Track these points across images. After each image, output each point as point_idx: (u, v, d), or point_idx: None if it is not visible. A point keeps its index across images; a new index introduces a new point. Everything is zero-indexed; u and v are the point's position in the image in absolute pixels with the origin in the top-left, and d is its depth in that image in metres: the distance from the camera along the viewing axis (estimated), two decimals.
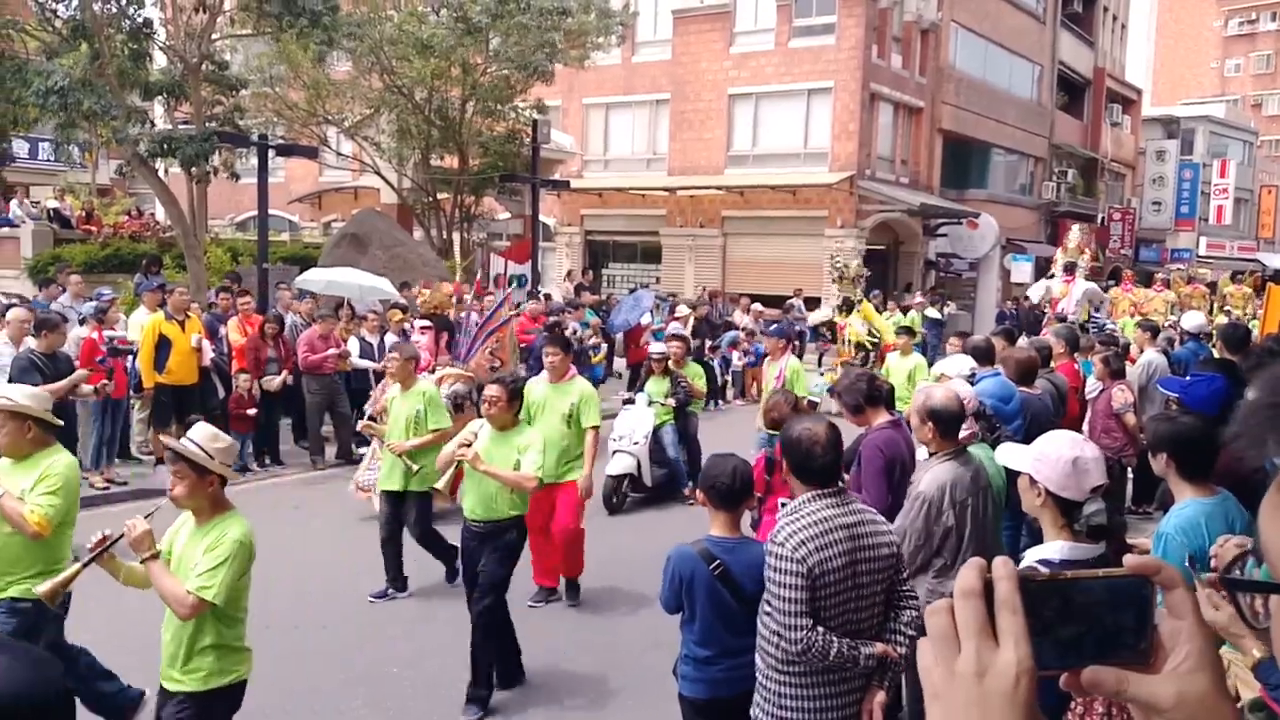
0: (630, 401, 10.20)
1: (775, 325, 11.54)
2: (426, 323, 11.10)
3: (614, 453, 9.42)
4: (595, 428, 6.76)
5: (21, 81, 13.00)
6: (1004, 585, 0.78)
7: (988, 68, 30.09)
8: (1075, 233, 18.30)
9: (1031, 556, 3.06)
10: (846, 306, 15.92)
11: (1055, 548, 3.01)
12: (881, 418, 5.14)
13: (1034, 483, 3.05)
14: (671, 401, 9.90)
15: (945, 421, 4.36)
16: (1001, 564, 0.79)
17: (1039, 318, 17.68)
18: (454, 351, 10.37)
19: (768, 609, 3.24)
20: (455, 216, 21.03)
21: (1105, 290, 19.09)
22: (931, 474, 4.28)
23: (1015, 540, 6.04)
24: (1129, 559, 0.86)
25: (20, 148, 18.92)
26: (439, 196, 21.03)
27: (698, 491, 3.85)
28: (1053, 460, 3.02)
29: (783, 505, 5.14)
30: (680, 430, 10.07)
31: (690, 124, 26.87)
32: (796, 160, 25.67)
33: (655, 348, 10.42)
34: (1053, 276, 18.10)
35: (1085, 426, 8.64)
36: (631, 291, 19.04)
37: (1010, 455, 3.26)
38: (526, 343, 12.45)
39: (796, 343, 15.95)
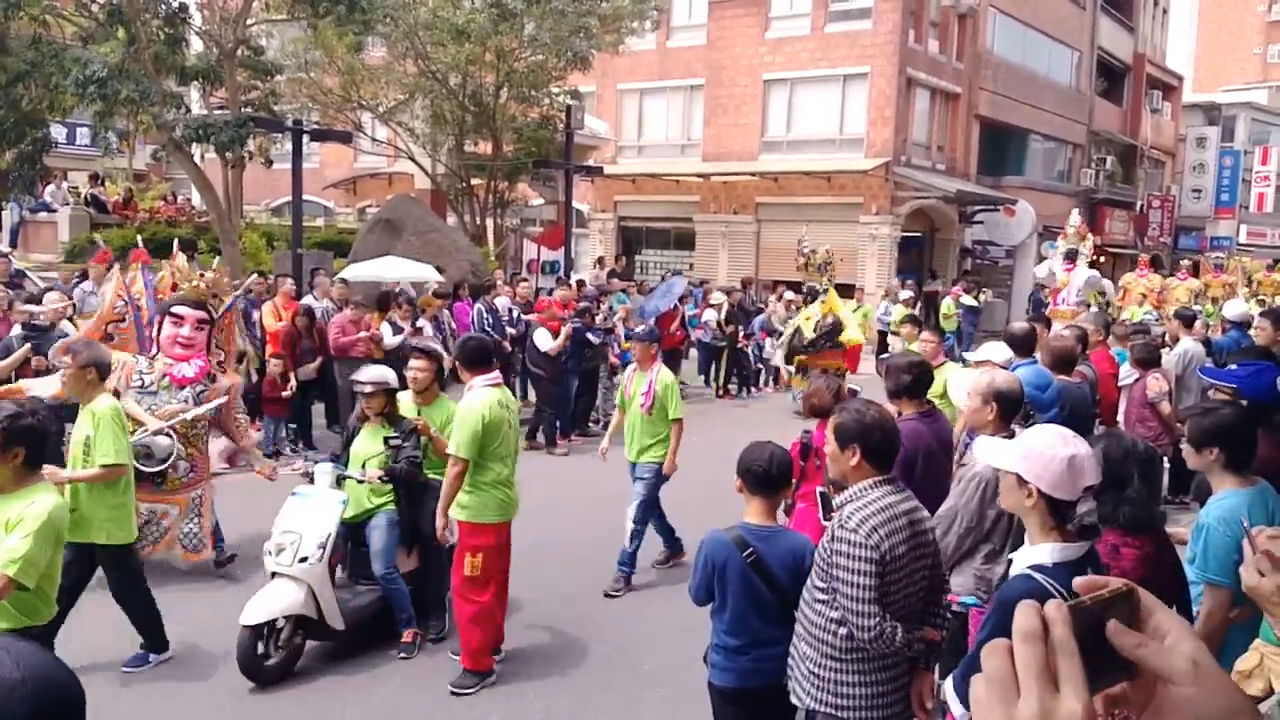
0: (309, 477, 6.00)
1: (644, 326, 8.85)
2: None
3: (272, 575, 5.48)
4: (456, 458, 5.26)
5: (59, 68, 13.13)
6: (1060, 630, 0.78)
7: (1026, 53, 29.64)
8: (1075, 217, 17.17)
9: (1022, 561, 2.86)
10: (810, 296, 14.32)
11: (1045, 551, 2.80)
12: (913, 409, 5.08)
13: (1024, 482, 2.80)
14: (373, 474, 5.80)
15: (1008, 404, 4.35)
16: (1055, 607, 0.80)
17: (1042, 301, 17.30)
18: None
19: (822, 596, 3.23)
20: (489, 202, 21.06)
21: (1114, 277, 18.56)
22: None
23: None
24: (1078, 581, 0.89)
25: (59, 133, 19.14)
26: (473, 182, 21.06)
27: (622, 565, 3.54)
28: (1046, 458, 2.78)
29: (821, 493, 5.13)
30: (408, 524, 5.87)
31: (725, 110, 26.71)
32: (832, 146, 25.45)
33: (365, 373, 6.14)
34: (1044, 259, 17.31)
35: (1120, 415, 8.53)
36: (663, 279, 18.99)
37: (993, 452, 3.01)
38: (553, 329, 11.95)
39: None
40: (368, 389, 5.95)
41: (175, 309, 6.92)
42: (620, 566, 7.00)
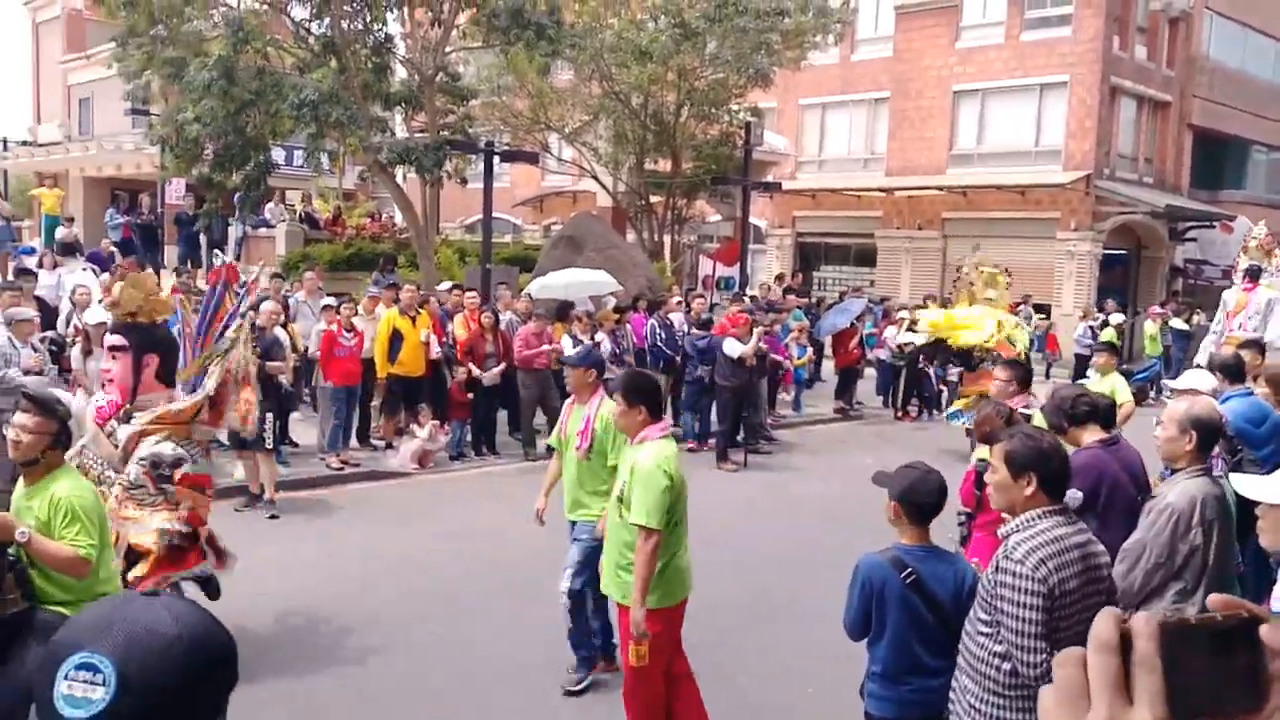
0: None
1: (582, 347, 7.71)
2: (118, 340, 5.48)
3: None
4: (645, 529, 4.25)
5: (279, 96, 14.30)
6: (1144, 643, 0.74)
7: (1246, 57, 27.45)
8: (1260, 229, 14.79)
9: None
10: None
11: None
12: (1091, 436, 4.77)
13: None
14: None
15: (1207, 434, 4.06)
16: (1144, 621, 0.75)
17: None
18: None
19: (985, 629, 3.11)
20: (667, 219, 21.36)
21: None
22: (1181, 487, 3.97)
23: (1260, 573, 5.45)
24: (1212, 598, 0.81)
25: (279, 155, 20.82)
26: (652, 200, 21.43)
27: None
28: None
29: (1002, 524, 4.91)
30: None
31: (910, 122, 26.04)
32: (1026, 159, 24.36)
33: None
34: (1232, 285, 14.62)
35: None
36: (841, 297, 18.68)
37: (1266, 489, 2.79)
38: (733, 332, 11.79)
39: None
40: None
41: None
42: (576, 651, 5.58)
